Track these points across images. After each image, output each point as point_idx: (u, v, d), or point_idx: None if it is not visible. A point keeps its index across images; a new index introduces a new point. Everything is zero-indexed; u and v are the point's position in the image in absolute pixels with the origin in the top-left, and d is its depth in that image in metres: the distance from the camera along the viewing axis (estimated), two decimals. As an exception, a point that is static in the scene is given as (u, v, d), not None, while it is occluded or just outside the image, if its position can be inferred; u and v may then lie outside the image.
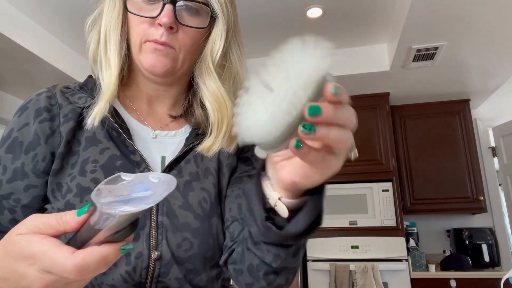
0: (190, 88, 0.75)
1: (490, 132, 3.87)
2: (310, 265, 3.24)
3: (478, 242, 3.34)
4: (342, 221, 3.32)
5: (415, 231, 3.48)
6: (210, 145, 0.67)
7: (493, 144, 3.83)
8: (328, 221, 3.33)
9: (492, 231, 3.44)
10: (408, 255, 3.17)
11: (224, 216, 0.67)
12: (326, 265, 3.16)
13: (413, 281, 3.06)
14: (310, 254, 3.27)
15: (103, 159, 0.62)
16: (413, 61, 2.95)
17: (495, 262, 3.30)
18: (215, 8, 0.65)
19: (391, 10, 2.72)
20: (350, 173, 3.38)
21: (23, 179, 0.61)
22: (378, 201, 3.31)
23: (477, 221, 3.63)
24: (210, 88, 0.67)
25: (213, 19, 0.66)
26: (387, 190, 3.32)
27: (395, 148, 3.48)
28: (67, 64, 3.10)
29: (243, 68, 0.71)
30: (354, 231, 3.28)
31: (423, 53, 2.83)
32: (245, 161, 0.73)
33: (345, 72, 3.22)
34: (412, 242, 3.36)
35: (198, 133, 0.71)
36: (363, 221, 3.29)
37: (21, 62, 2.86)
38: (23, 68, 2.96)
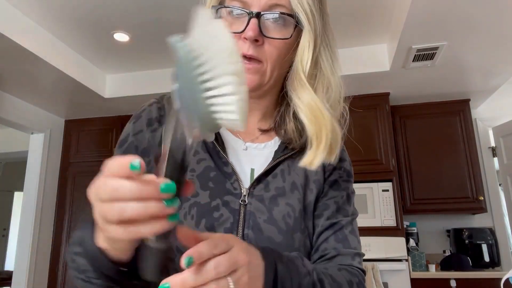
0: (282, 102, 0.74)
1: (490, 132, 3.86)
2: (310, 265, 3.23)
3: (478, 242, 3.33)
4: (342, 221, 3.32)
5: (415, 231, 3.48)
6: (312, 159, 0.65)
7: (493, 144, 3.82)
8: (328, 221, 3.33)
9: (492, 231, 3.43)
10: (408, 255, 3.17)
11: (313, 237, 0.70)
12: (326, 265, 3.16)
13: (413, 281, 3.06)
14: (310, 254, 3.26)
15: (199, 169, 0.66)
16: (413, 61, 2.95)
17: (495, 262, 3.30)
18: (301, 18, 0.64)
19: (391, 10, 2.72)
20: (350, 173, 3.38)
21: None
22: (378, 201, 3.31)
23: (477, 221, 3.63)
24: (304, 100, 0.67)
25: (300, 28, 0.66)
26: (387, 190, 3.31)
27: (395, 148, 3.47)
28: (67, 64, 3.10)
29: (335, 76, 0.71)
30: (354, 231, 3.27)
31: (423, 53, 2.83)
32: (332, 185, 0.73)
33: (345, 72, 3.19)
34: (412, 242, 3.36)
35: (287, 147, 0.71)
36: (363, 221, 3.28)
37: (21, 62, 2.86)
38: (23, 68, 2.96)
